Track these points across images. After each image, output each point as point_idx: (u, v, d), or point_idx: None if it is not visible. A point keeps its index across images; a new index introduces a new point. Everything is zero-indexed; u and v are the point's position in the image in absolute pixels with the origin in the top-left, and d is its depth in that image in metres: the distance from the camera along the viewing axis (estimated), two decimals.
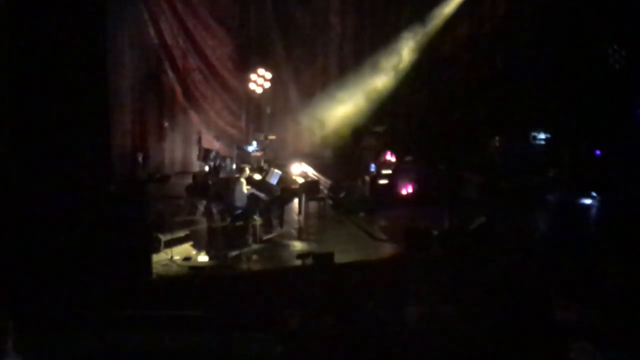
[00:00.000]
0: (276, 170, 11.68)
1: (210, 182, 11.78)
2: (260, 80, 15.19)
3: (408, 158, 14.52)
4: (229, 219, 10.75)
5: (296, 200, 11.99)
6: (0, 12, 8.05)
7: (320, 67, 16.20)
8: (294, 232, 11.42)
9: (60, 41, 8.17)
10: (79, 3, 8.48)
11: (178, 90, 14.87)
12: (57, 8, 8.19)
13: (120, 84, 13.81)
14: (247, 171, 11.30)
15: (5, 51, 8.08)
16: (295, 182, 12.30)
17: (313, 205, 12.22)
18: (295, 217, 11.97)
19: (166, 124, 14.86)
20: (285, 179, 12.01)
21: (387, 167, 13.94)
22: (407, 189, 13.35)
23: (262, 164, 13.55)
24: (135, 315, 6.89)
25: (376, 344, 6.65)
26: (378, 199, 13.09)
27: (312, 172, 14.25)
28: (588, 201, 12.14)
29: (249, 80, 15.19)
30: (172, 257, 9.77)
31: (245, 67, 15.35)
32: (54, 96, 8.22)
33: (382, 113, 16.05)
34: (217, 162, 13.02)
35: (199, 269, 9.53)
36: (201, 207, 11.63)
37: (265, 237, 10.96)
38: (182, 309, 7.17)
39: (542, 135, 14.85)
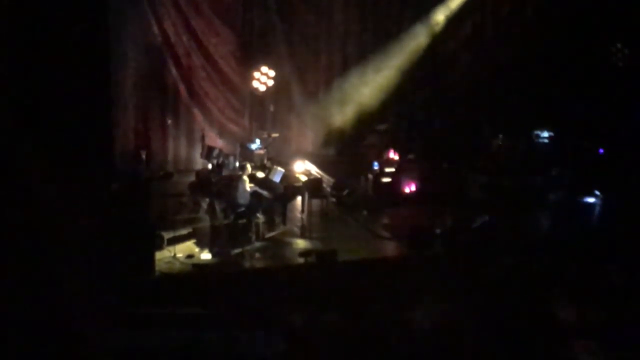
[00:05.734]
0: (279, 168, 11.69)
1: (213, 179, 11.76)
2: (263, 78, 15.18)
3: (411, 156, 14.50)
4: (231, 217, 10.76)
5: (299, 198, 11.98)
6: (2, 9, 8.06)
7: (323, 65, 16.19)
8: (297, 230, 11.41)
9: (63, 39, 8.20)
10: (82, 1, 8.49)
11: (181, 88, 14.83)
12: (60, 6, 8.21)
13: (124, 82, 13.79)
14: (249, 169, 11.29)
15: (7, 49, 8.09)
16: (298, 180, 12.28)
17: (316, 203, 12.20)
18: (298, 215, 11.95)
19: (169, 122, 14.84)
20: (288, 177, 12.00)
21: (390, 165, 13.89)
22: (410, 187, 13.32)
23: (265, 161, 13.54)
24: (138, 313, 6.91)
25: (379, 342, 6.66)
26: (381, 197, 13.07)
27: (315, 170, 14.25)
28: (591, 200, 12.13)
29: (252, 78, 15.18)
30: (175, 255, 9.79)
31: (248, 64, 15.32)
32: (56, 94, 8.24)
33: (386, 111, 16.04)
34: (220, 160, 13.00)
35: (201, 266, 9.55)
36: (204, 204, 11.62)
37: (268, 235, 10.97)
38: (185, 306, 7.19)
39: (545, 134, 14.80)
